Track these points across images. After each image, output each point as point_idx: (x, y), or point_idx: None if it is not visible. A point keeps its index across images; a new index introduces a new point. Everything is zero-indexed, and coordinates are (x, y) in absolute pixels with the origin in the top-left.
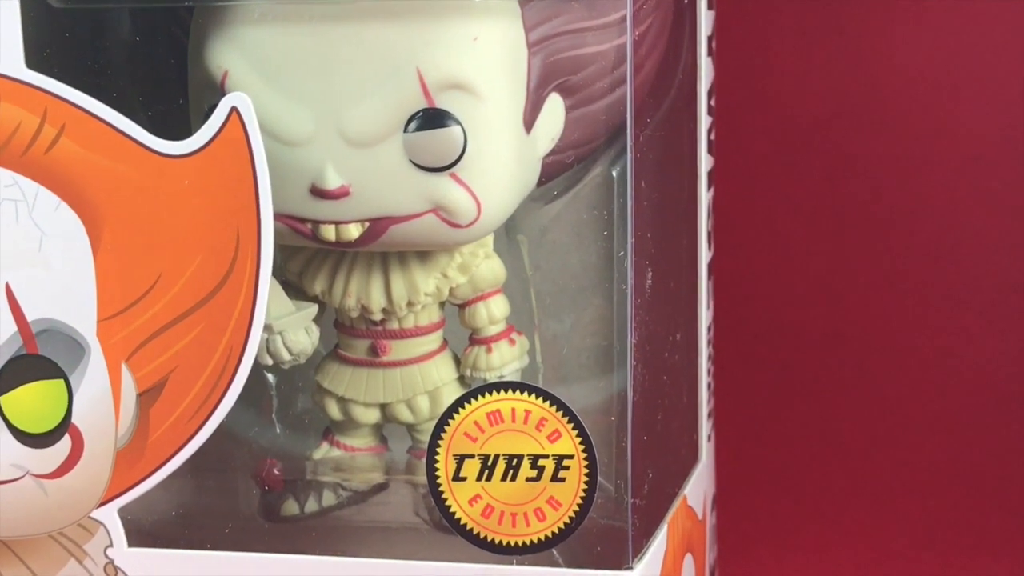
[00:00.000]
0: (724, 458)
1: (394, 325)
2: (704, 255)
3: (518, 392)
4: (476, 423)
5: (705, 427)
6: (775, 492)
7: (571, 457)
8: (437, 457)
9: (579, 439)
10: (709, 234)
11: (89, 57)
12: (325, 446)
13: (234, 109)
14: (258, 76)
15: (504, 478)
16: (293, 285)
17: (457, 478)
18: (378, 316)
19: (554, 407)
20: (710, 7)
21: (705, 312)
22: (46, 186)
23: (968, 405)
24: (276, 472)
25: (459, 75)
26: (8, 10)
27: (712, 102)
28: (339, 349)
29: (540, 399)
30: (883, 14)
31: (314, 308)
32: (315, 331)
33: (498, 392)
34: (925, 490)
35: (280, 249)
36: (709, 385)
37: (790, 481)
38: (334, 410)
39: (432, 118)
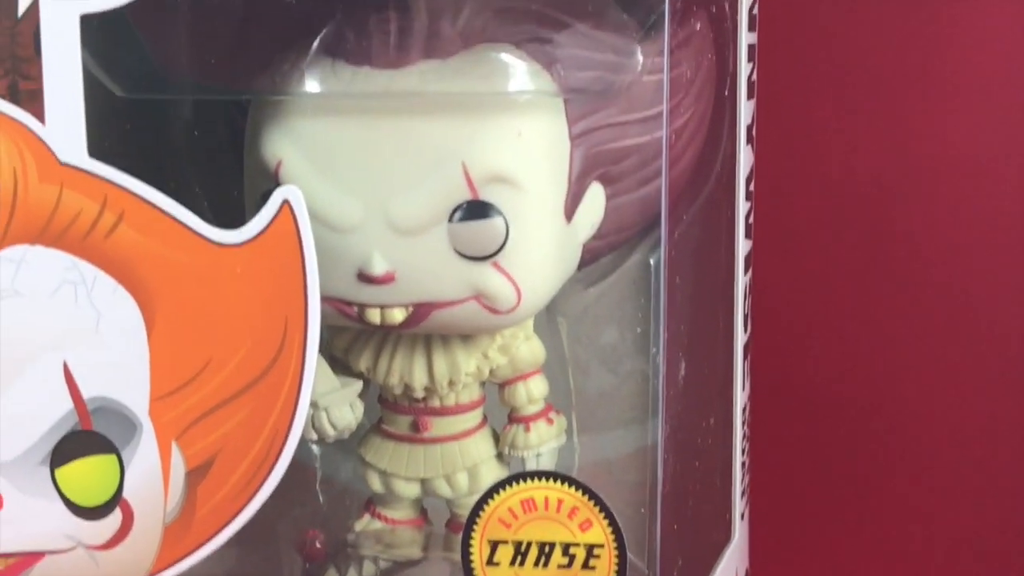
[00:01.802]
0: (758, 534)
1: (435, 402)
2: (740, 337)
3: (551, 481)
4: (510, 510)
5: (739, 506)
6: (808, 566)
7: (602, 546)
8: (472, 542)
9: (610, 528)
10: (746, 316)
11: (149, 146)
12: (367, 517)
13: (286, 202)
14: (310, 166)
15: (536, 564)
16: (339, 361)
17: (491, 563)
18: (420, 393)
19: (586, 496)
20: (750, 97)
21: (740, 393)
22: (104, 270)
23: (1017, 478)
24: (318, 545)
25: (503, 169)
26: (73, 101)
27: (751, 187)
28: (382, 424)
29: (573, 488)
30: (922, 95)
31: (358, 384)
32: (359, 407)
33: (532, 480)
34: (964, 557)
35: (327, 327)
36: (743, 464)
37: (824, 555)
38: (376, 483)
39: (476, 210)
